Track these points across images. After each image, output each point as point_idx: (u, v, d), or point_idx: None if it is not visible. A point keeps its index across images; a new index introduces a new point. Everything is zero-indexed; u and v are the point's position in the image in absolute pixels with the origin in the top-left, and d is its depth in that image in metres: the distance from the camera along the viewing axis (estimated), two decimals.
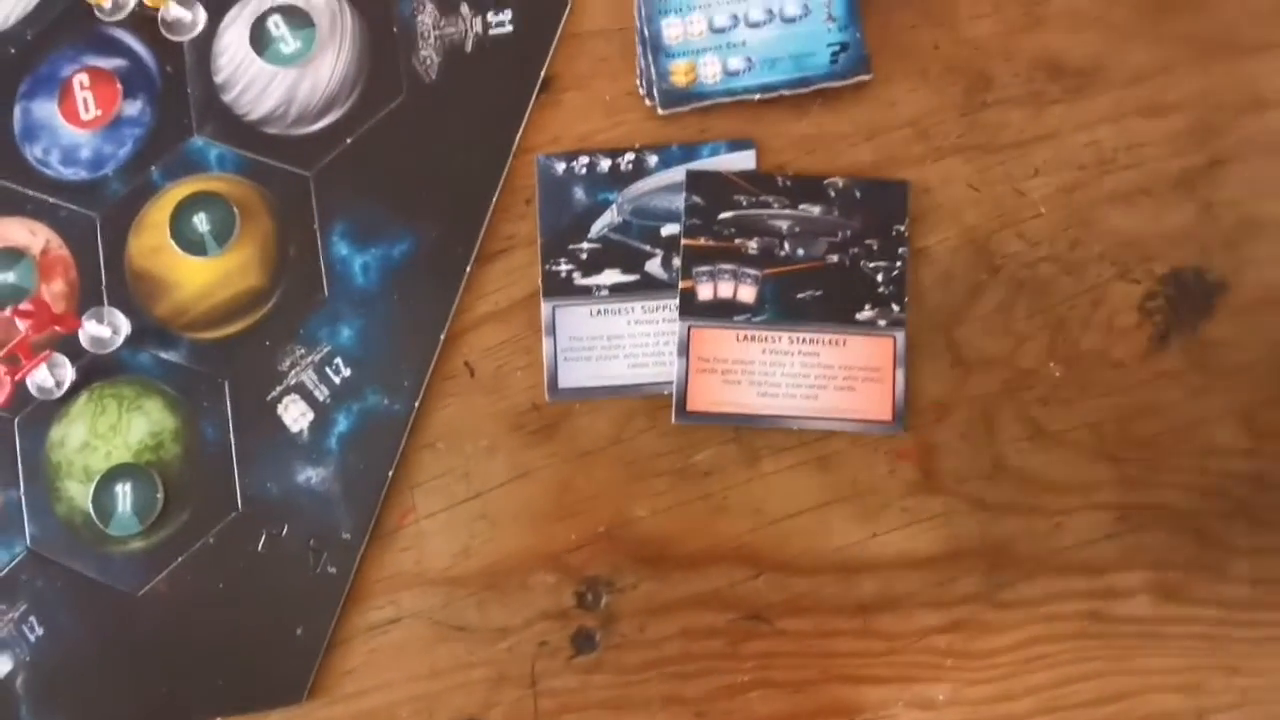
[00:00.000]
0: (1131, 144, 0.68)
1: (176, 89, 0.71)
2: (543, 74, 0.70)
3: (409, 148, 0.69)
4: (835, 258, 0.66)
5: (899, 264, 0.66)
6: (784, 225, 0.67)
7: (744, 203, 0.67)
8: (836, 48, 0.68)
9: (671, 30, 0.69)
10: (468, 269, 0.68)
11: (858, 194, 0.67)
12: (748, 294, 0.66)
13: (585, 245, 0.67)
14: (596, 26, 0.70)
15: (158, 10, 0.71)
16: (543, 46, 0.70)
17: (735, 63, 0.68)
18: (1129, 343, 0.66)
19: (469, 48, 0.70)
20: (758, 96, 0.68)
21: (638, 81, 0.69)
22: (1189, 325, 0.66)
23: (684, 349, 0.66)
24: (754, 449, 0.67)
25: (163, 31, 0.71)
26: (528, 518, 0.66)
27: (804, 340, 0.66)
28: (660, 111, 0.68)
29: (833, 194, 0.67)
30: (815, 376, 0.66)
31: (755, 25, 0.68)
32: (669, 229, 0.67)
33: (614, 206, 0.68)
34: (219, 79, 0.71)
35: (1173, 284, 0.67)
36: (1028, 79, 0.68)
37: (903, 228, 0.67)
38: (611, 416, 0.67)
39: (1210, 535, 0.65)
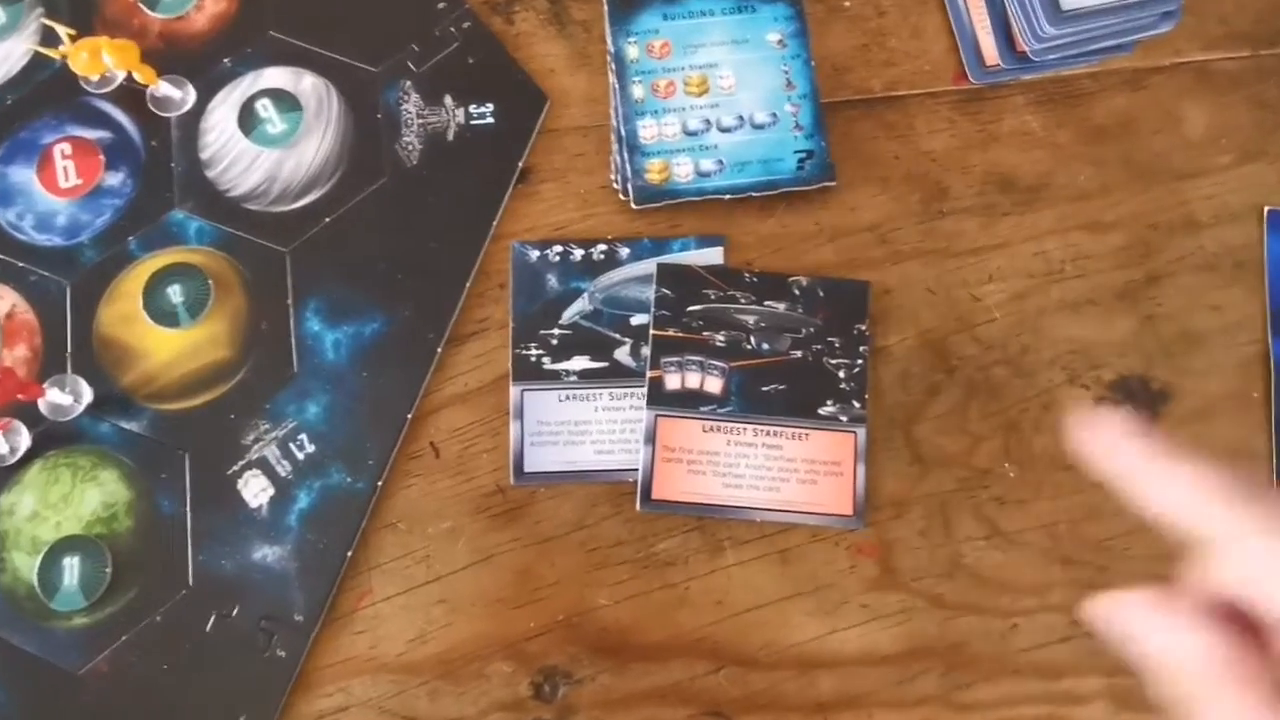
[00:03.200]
0: (1077, 256, 0.45)
1: (160, 162, 0.46)
2: (521, 165, 0.45)
3: (387, 230, 0.44)
4: (799, 353, 0.44)
5: (860, 361, 0.44)
6: (750, 320, 0.44)
7: (712, 296, 0.44)
8: (803, 155, 0.44)
9: (647, 131, 0.45)
10: (438, 350, 0.43)
11: (821, 293, 0.44)
12: (714, 385, 0.44)
13: (556, 331, 0.43)
14: (574, 123, 0.46)
15: (147, 87, 0.45)
16: (522, 139, 0.45)
17: (707, 164, 0.44)
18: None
19: (450, 136, 0.45)
20: (727, 196, 0.44)
21: (612, 177, 0.45)
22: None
23: (650, 437, 0.43)
24: (717, 540, 0.42)
25: (151, 107, 0.46)
26: (487, 604, 0.41)
27: (768, 433, 0.43)
28: (634, 206, 0.44)
29: (797, 291, 0.45)
30: (778, 469, 0.43)
31: (726, 130, 0.45)
32: (638, 319, 0.43)
33: (586, 294, 0.43)
34: (204, 155, 0.45)
35: (1120, 391, 0.43)
36: (980, 191, 0.45)
37: (864, 326, 0.44)
38: (575, 502, 0.42)
39: None
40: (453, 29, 0.48)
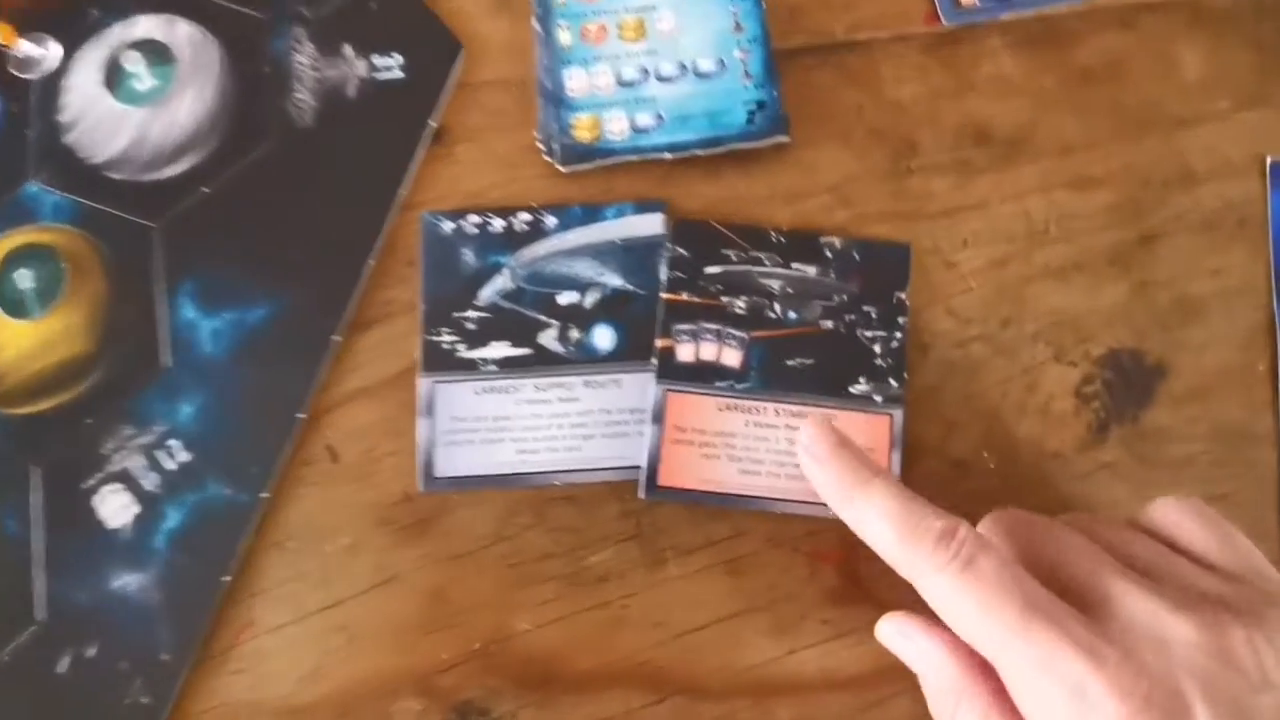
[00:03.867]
0: (1062, 216, 0.36)
1: (16, 130, 0.35)
2: (433, 124, 0.35)
3: (275, 200, 0.35)
4: (830, 323, 0.35)
5: (899, 335, 0.35)
6: (776, 285, 0.36)
7: (733, 258, 0.36)
8: (753, 107, 0.35)
9: (575, 83, 0.35)
10: (336, 339, 0.33)
11: (856, 255, 0.36)
12: (732, 357, 0.35)
13: (472, 314, 0.34)
14: (493, 76, 0.36)
15: (7, 47, 0.35)
16: (433, 95, 0.36)
17: (644, 119, 0.35)
18: (1067, 431, 0.34)
19: (351, 92, 0.35)
20: (668, 156, 0.34)
21: (536, 136, 0.35)
22: (1129, 414, 0.34)
23: (658, 416, 0.34)
24: (657, 549, 0.33)
25: (11, 70, 0.36)
26: (393, 631, 0.32)
27: (792, 413, 0.35)
28: (561, 169, 0.34)
29: (829, 254, 0.36)
30: None
31: (666, 80, 0.35)
32: (566, 297, 0.34)
33: (506, 270, 0.34)
34: (63, 118, 0.35)
35: (1110, 367, 0.34)
36: (954, 146, 0.36)
37: (904, 295, 0.36)
38: (494, 511, 0.33)
39: None
40: None
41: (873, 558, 0.34)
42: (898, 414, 0.35)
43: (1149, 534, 0.29)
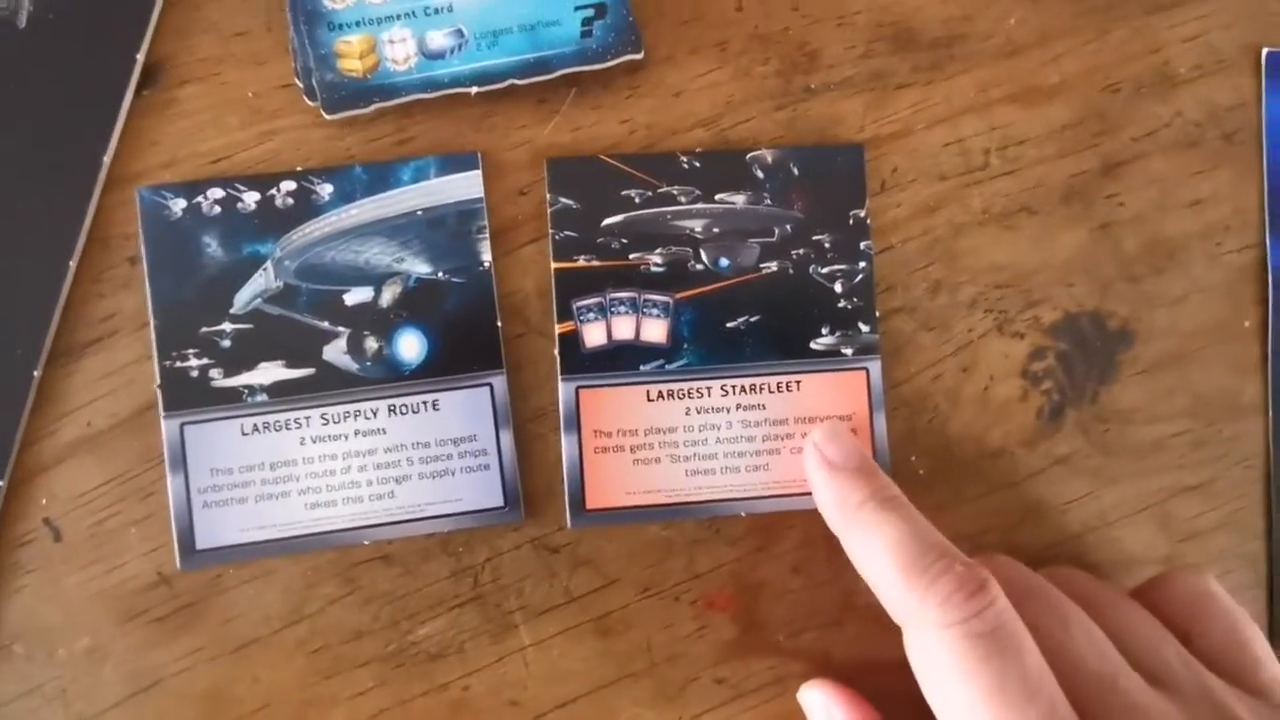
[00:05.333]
0: (1006, 143, 0.27)
1: None
2: (141, 59, 0.24)
3: None
4: (774, 265, 0.27)
5: (863, 265, 0.27)
6: (697, 226, 0.27)
7: (636, 199, 0.27)
8: (589, 12, 0.25)
9: None
10: (35, 374, 0.23)
11: (795, 170, 0.27)
12: (656, 331, 0.27)
13: (228, 326, 0.24)
14: None
15: None
16: (139, 17, 0.24)
17: (438, 38, 0.24)
18: (1012, 421, 0.27)
19: (22, 22, 0.24)
20: (474, 90, 0.24)
21: (294, 68, 0.24)
22: (1088, 393, 0.27)
23: (572, 421, 0.26)
24: (503, 613, 0.25)
25: None
26: None
27: (742, 388, 0.27)
28: (326, 115, 0.24)
29: (760, 173, 0.27)
30: (763, 438, 0.27)
31: None
32: (356, 295, 0.25)
33: (269, 264, 0.24)
34: None
35: (1066, 336, 0.27)
36: (866, 53, 0.26)
37: (863, 212, 0.27)
38: (285, 584, 0.25)
39: None
40: None
41: (777, 599, 0.27)
42: (874, 366, 0.27)
43: (1155, 610, 0.24)
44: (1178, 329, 0.29)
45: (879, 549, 0.22)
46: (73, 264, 0.25)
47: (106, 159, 0.26)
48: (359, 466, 0.25)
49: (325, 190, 0.26)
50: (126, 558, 0.25)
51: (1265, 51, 0.29)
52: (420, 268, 0.26)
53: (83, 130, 0.25)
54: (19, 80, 0.25)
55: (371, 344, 0.26)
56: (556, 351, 0.26)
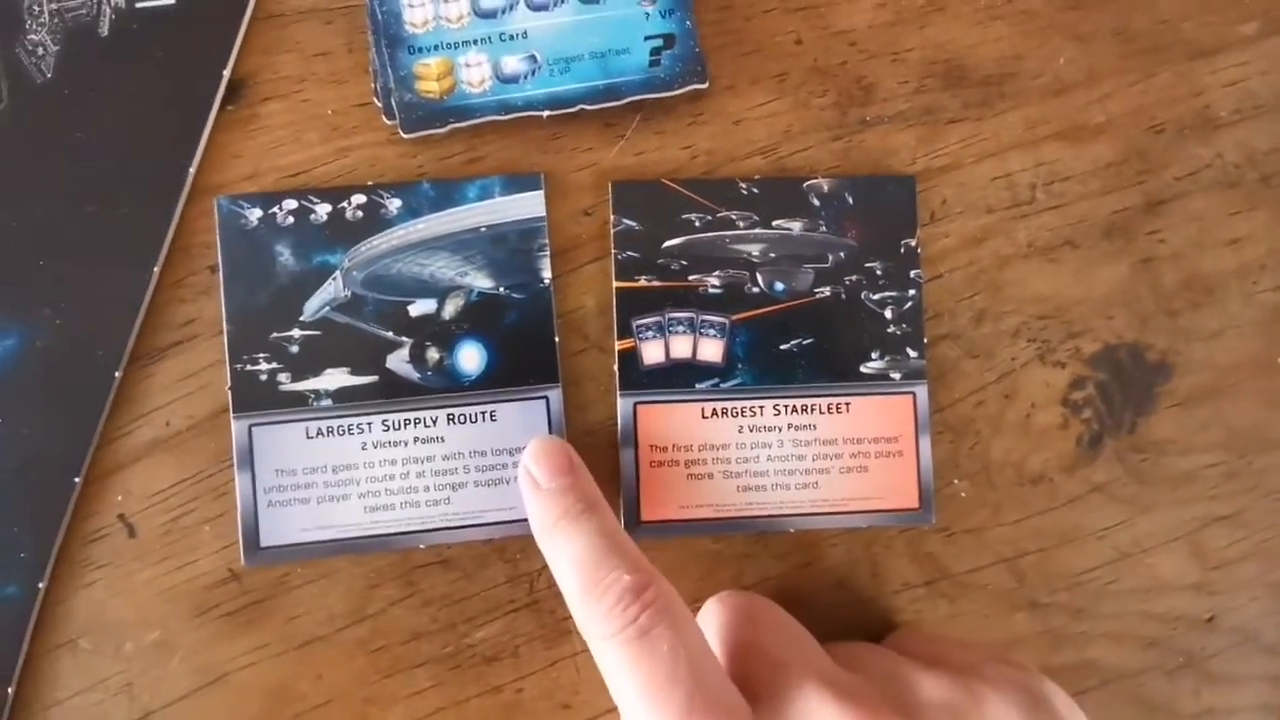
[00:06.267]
0: (1052, 179, 0.28)
1: None
2: (227, 74, 0.25)
3: (14, 186, 0.24)
4: (827, 291, 0.28)
5: (913, 292, 0.28)
6: (755, 250, 0.28)
7: (696, 223, 0.27)
8: (657, 43, 0.25)
9: (416, 13, 0.25)
10: (117, 375, 0.24)
11: (850, 199, 0.28)
12: (712, 351, 0.27)
13: (296, 333, 0.25)
14: (308, 2, 0.25)
15: None
16: (226, 32, 0.25)
17: (512, 63, 0.25)
18: (1052, 448, 0.27)
19: (105, 30, 0.25)
20: (546, 113, 0.25)
21: (373, 87, 0.25)
22: (1126, 423, 0.28)
23: (630, 436, 0.27)
24: (557, 619, 0.26)
25: None
26: None
27: (794, 408, 0.27)
28: (404, 134, 0.24)
29: (816, 201, 0.28)
30: (813, 457, 0.27)
31: (541, 8, 0.25)
32: (420, 307, 0.26)
33: (338, 274, 0.25)
34: None
35: (1105, 367, 0.27)
36: (919, 88, 0.27)
37: (913, 241, 0.28)
38: (348, 585, 0.25)
39: (1153, 700, 0.28)
40: None
41: (821, 614, 0.27)
42: (921, 390, 0.28)
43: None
44: (1213, 363, 0.29)
45: (564, 567, 0.22)
46: (156, 270, 0.26)
47: (191, 170, 0.26)
48: (417, 472, 0.26)
49: (394, 205, 0.26)
50: (198, 554, 0.26)
51: None
52: (482, 282, 0.26)
53: (168, 142, 0.26)
54: (103, 88, 0.26)
55: (433, 354, 0.26)
56: (616, 367, 0.27)
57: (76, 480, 0.26)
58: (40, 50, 0.26)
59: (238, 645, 0.26)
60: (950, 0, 0.29)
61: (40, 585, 0.25)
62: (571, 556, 0.22)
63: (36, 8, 0.26)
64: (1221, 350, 0.29)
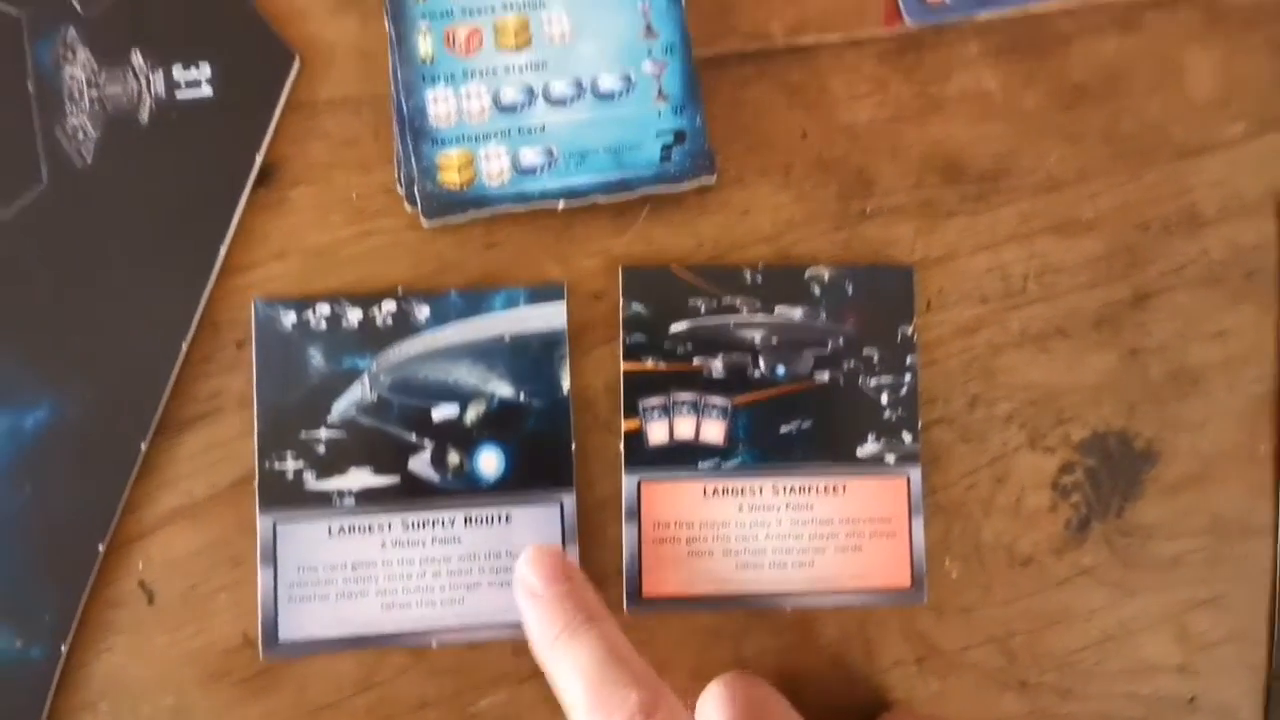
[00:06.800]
0: (1044, 270, 0.29)
1: None
2: (260, 160, 0.26)
3: (49, 264, 0.26)
4: (826, 375, 0.29)
5: (908, 377, 0.29)
6: (757, 335, 0.29)
7: (702, 309, 0.28)
8: (669, 139, 0.27)
9: (439, 107, 0.26)
10: (143, 446, 0.25)
11: (849, 288, 0.29)
12: (714, 432, 0.28)
13: (324, 433, 0.26)
14: (339, 92, 0.27)
15: None
16: (260, 120, 0.27)
17: (530, 155, 0.26)
18: (1041, 531, 0.28)
19: (144, 117, 0.26)
20: (561, 204, 0.26)
21: (397, 175, 0.26)
22: (1114, 508, 0.28)
23: (634, 513, 0.28)
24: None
25: None
26: None
27: (792, 489, 0.28)
28: (425, 223, 0.25)
29: (817, 290, 0.29)
30: (810, 536, 0.28)
31: (559, 103, 0.27)
32: (442, 411, 0.27)
33: (365, 377, 0.26)
34: None
35: (1094, 453, 0.28)
36: (918, 182, 0.29)
37: (910, 329, 0.29)
38: (359, 653, 0.26)
39: None
40: None
41: (816, 690, 0.28)
42: (915, 473, 0.28)
43: None
44: (1199, 452, 0.30)
45: (570, 683, 0.22)
46: (184, 345, 0.27)
47: (222, 250, 0.27)
48: (433, 572, 0.27)
49: (422, 312, 0.27)
50: (214, 621, 0.27)
51: None
52: (504, 389, 0.27)
53: (201, 223, 0.27)
54: (140, 173, 0.27)
55: (454, 458, 0.27)
56: (622, 446, 0.28)
57: (100, 547, 0.26)
58: (80, 135, 0.27)
59: (251, 712, 0.27)
60: (949, 99, 0.30)
61: (63, 648, 0.26)
62: (577, 672, 0.22)
63: (78, 94, 0.27)
64: (1206, 439, 0.30)
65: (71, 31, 0.27)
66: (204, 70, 0.28)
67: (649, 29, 0.28)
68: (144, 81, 0.27)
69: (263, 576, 0.26)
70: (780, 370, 0.29)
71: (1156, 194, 0.31)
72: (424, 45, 0.28)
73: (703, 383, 0.28)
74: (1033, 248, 0.30)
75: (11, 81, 0.27)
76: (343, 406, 0.27)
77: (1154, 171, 0.31)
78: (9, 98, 0.27)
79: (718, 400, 0.28)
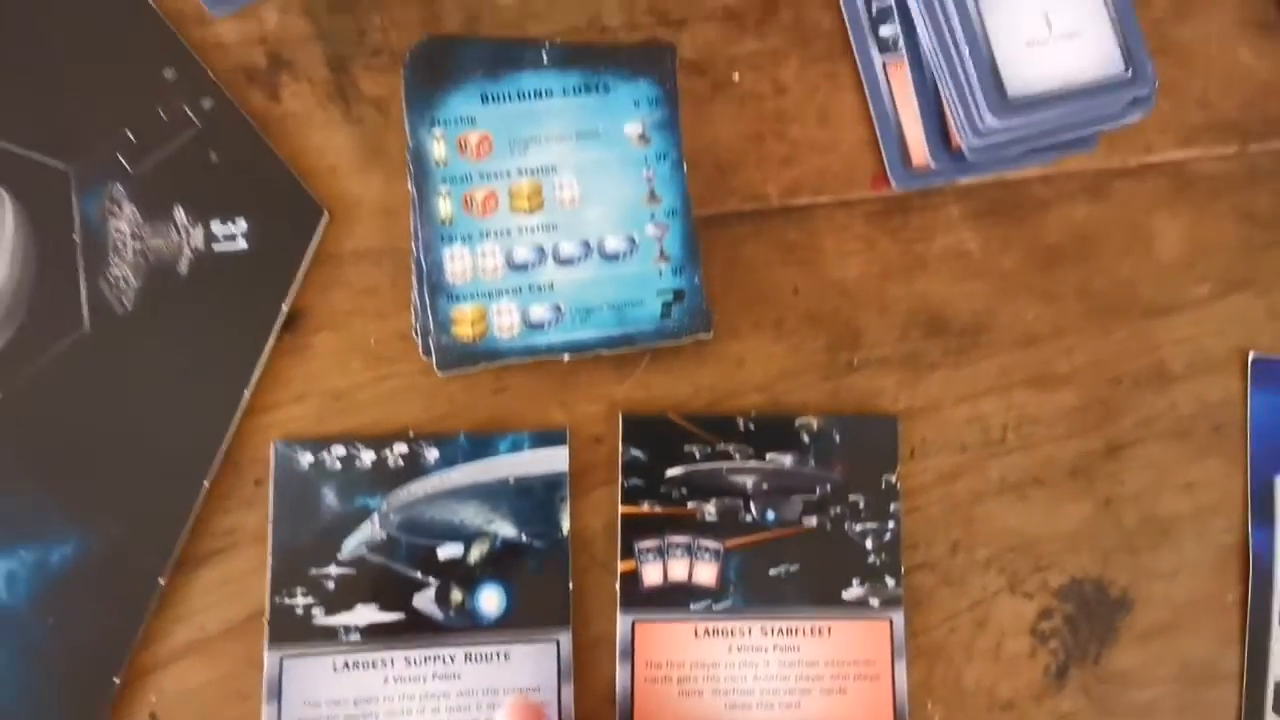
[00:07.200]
0: (1022, 421, 0.30)
1: None
2: (287, 307, 0.28)
3: (87, 406, 0.28)
4: (814, 520, 0.30)
5: (892, 524, 0.30)
6: (749, 481, 0.30)
7: (697, 454, 0.30)
8: (669, 297, 0.29)
9: (456, 264, 0.28)
10: (161, 581, 0.26)
11: (837, 436, 0.30)
12: (707, 574, 0.30)
13: (334, 570, 0.28)
14: (363, 244, 0.29)
15: None
16: (288, 271, 0.29)
17: (539, 311, 0.28)
18: (1021, 677, 0.29)
19: (183, 268, 0.28)
20: (566, 358, 0.27)
21: (413, 324, 0.28)
22: (1091, 654, 0.30)
23: (627, 652, 0.29)
24: None
25: None
26: None
27: (780, 630, 0.29)
28: (439, 373, 0.27)
29: (806, 438, 0.30)
30: (796, 678, 0.29)
31: (567, 262, 0.29)
32: (448, 550, 0.29)
33: (375, 516, 0.28)
34: None
35: (1071, 600, 0.30)
36: (903, 336, 0.30)
37: (893, 477, 0.30)
38: None
39: None
40: (187, 109, 0.30)
41: None
42: (897, 617, 0.30)
43: None
44: (1170, 599, 0.31)
45: None
46: (206, 483, 0.29)
47: (247, 393, 0.29)
48: (433, 708, 0.28)
49: (432, 454, 0.29)
50: None
51: (1251, 356, 0.33)
52: (507, 530, 0.29)
53: (229, 367, 0.29)
54: (175, 319, 0.29)
55: (457, 596, 0.28)
56: (618, 587, 0.29)
57: (116, 679, 0.27)
58: (122, 283, 0.29)
59: None
60: (932, 258, 0.32)
61: None
62: None
63: (122, 245, 0.29)
64: (1178, 588, 0.31)
65: (119, 188, 0.29)
66: (240, 225, 0.30)
67: (652, 194, 0.30)
68: (185, 235, 0.29)
69: (268, 712, 0.27)
70: (770, 515, 0.30)
71: (1127, 350, 0.32)
72: (444, 207, 0.30)
73: (696, 526, 0.30)
74: (1011, 399, 0.32)
75: (59, 232, 0.29)
76: (353, 544, 0.28)
77: (1125, 329, 0.32)
78: (56, 247, 0.29)
79: (710, 544, 0.30)
